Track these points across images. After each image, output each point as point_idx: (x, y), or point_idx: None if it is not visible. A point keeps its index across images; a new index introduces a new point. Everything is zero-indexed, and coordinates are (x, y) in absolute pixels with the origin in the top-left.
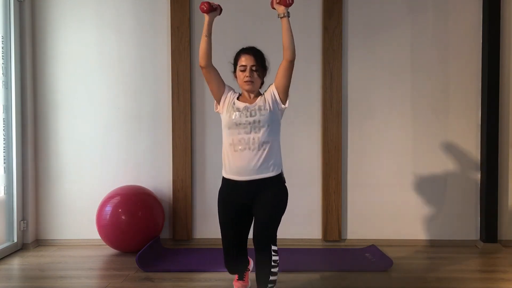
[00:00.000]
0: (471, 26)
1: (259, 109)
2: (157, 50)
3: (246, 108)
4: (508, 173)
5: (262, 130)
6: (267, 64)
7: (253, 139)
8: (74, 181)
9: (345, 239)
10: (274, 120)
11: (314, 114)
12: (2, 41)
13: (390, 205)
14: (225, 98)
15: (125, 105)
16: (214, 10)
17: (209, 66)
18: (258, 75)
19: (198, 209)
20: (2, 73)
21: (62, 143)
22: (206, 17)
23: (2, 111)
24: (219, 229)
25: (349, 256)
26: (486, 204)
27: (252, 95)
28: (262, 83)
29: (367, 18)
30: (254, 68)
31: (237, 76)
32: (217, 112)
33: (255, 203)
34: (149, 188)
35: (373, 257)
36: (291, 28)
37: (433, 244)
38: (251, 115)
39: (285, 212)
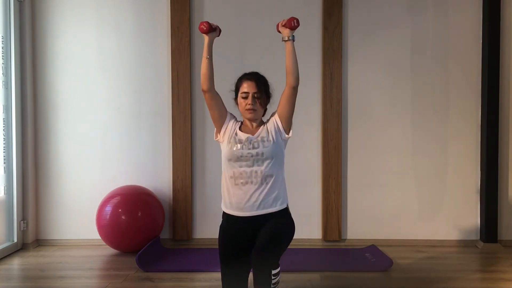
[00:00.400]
0: (471, 26)
1: (262, 140)
2: (157, 50)
3: (248, 140)
4: (508, 173)
5: (265, 163)
6: (270, 91)
7: (256, 172)
8: (74, 181)
9: (345, 239)
10: (278, 152)
11: (314, 114)
12: (2, 41)
13: (390, 205)
14: (227, 127)
15: (125, 105)
16: (213, 30)
17: (212, 91)
18: (261, 103)
19: (198, 209)
20: (2, 73)
21: (62, 143)
22: (206, 38)
23: (2, 111)
24: (218, 230)
25: (349, 256)
26: (486, 204)
27: (254, 124)
28: (265, 110)
29: (367, 18)
30: (256, 95)
31: (239, 104)
32: (217, 140)
33: (257, 237)
34: (149, 188)
35: (373, 257)
36: (296, 52)
37: (433, 244)
38: (253, 147)
39: None
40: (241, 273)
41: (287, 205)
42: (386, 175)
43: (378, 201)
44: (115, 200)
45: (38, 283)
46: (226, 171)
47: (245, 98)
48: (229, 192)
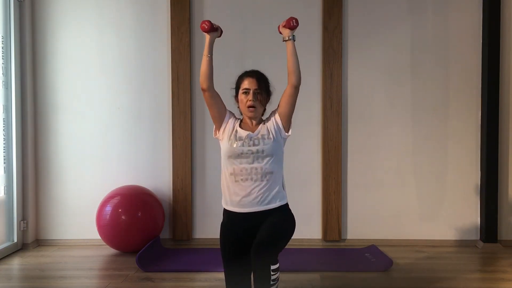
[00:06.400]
0: (471, 26)
1: (263, 138)
2: (157, 50)
3: (248, 137)
4: (508, 173)
5: (265, 160)
6: (271, 89)
7: (256, 169)
8: (74, 181)
9: (345, 239)
10: (277, 150)
11: (314, 114)
12: (2, 41)
13: (390, 205)
14: (226, 124)
15: (125, 105)
16: (215, 30)
17: (211, 89)
18: (261, 100)
19: (198, 209)
20: (2, 73)
21: (62, 143)
22: (207, 37)
23: (2, 111)
24: (219, 229)
25: (349, 256)
26: (486, 204)
27: (254, 122)
28: (265, 110)
29: (367, 18)
30: (257, 91)
31: (240, 101)
32: (216, 138)
33: (257, 233)
34: (149, 188)
35: (373, 257)
36: (296, 52)
37: (433, 244)
38: (254, 144)
39: None
40: (244, 271)
41: (287, 202)
42: (386, 175)
43: (378, 201)
44: (115, 200)
45: (38, 283)
46: (226, 168)
47: (246, 94)
48: (229, 189)
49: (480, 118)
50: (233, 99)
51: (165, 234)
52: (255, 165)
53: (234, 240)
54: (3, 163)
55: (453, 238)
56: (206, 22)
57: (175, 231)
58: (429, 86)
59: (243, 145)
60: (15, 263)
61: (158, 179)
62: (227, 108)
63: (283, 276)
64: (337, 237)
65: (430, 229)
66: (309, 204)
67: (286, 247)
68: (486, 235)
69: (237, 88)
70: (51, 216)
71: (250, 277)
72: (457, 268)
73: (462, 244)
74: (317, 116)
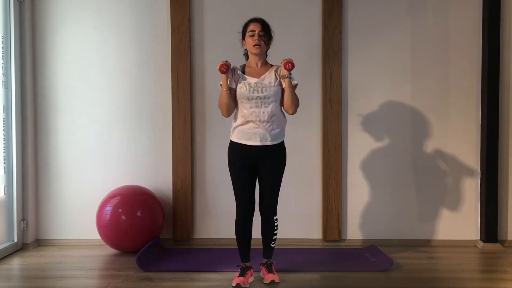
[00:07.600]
0: (471, 26)
1: (270, 85)
2: (157, 50)
3: (256, 84)
4: (508, 173)
5: (271, 105)
6: (272, 34)
7: (263, 112)
8: (74, 181)
9: (345, 239)
10: (279, 96)
11: (314, 114)
12: (2, 41)
13: (390, 205)
14: (237, 81)
15: (125, 105)
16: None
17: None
18: (265, 41)
19: (198, 209)
20: (2, 73)
21: (62, 143)
22: (223, 75)
23: (2, 111)
24: (219, 229)
25: (349, 256)
26: (486, 204)
27: (259, 64)
28: (268, 49)
29: (367, 18)
30: (261, 33)
31: (246, 42)
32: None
33: (260, 165)
34: (149, 188)
35: (373, 257)
36: (293, 89)
37: (433, 244)
38: (262, 91)
39: (285, 212)
40: (250, 183)
41: (283, 140)
42: (386, 175)
43: (378, 201)
44: (115, 200)
45: (38, 283)
46: (240, 110)
47: (252, 36)
48: (239, 127)
49: (480, 118)
50: (239, 43)
51: (165, 234)
52: (262, 109)
53: (242, 161)
54: (3, 163)
55: (453, 238)
56: (224, 67)
57: (175, 231)
58: (429, 86)
59: (253, 92)
60: (15, 263)
61: (158, 179)
62: (230, 84)
63: (283, 276)
64: (337, 237)
65: (430, 229)
66: (309, 204)
67: (287, 247)
68: (486, 235)
69: (244, 32)
70: (51, 216)
71: (255, 187)
72: (457, 268)
73: (462, 244)
74: (317, 116)
